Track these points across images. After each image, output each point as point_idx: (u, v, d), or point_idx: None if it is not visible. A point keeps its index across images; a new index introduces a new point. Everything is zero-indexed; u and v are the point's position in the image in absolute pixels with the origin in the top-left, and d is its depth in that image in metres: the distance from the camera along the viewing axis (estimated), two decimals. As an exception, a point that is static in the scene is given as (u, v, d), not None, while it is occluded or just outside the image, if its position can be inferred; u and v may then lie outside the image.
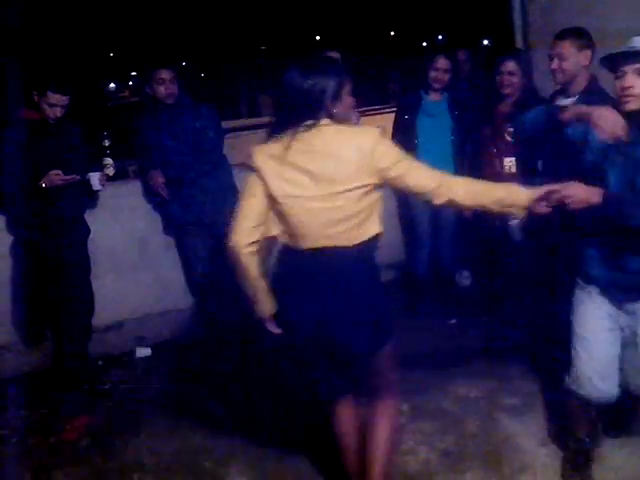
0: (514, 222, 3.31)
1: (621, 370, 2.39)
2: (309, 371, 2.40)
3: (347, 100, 2.22)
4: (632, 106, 2.09)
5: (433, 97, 3.92)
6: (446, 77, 3.84)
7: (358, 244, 2.14)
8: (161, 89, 3.55)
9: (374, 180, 2.10)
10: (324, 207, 2.11)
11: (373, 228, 2.16)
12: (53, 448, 3.15)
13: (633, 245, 2.18)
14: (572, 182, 2.07)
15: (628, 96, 2.09)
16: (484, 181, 2.26)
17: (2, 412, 3.51)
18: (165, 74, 3.54)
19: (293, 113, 2.13)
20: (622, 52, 2.13)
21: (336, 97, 2.15)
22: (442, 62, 3.80)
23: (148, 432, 3.20)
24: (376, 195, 2.14)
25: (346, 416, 2.46)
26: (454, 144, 3.88)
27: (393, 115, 4.25)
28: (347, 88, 2.21)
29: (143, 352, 4.08)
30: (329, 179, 2.09)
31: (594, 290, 2.36)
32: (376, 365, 2.29)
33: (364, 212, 2.13)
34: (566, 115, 2.20)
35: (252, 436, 3.07)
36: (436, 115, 3.90)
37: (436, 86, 3.87)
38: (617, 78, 2.14)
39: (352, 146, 2.10)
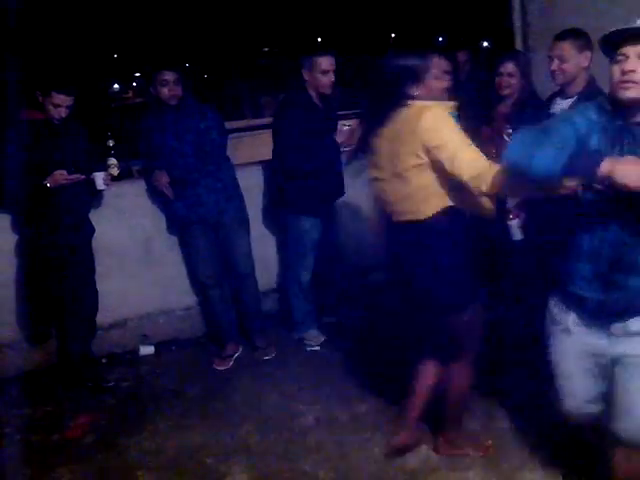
0: (514, 222, 3.32)
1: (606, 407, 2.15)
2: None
3: (432, 84, 2.30)
4: (632, 93, 1.82)
5: (434, 98, 3.94)
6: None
7: (430, 217, 2.23)
8: (164, 90, 3.56)
9: (428, 158, 2.17)
10: (391, 187, 2.26)
11: (440, 202, 2.24)
12: (57, 446, 3.17)
13: (635, 257, 1.90)
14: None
15: (629, 82, 1.81)
16: None
17: (6, 410, 3.51)
18: (168, 75, 3.55)
19: (381, 100, 2.28)
20: (624, 30, 1.84)
21: (417, 80, 2.23)
22: (442, 63, 3.81)
23: (151, 430, 3.22)
24: (437, 171, 2.19)
25: (426, 371, 2.66)
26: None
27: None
28: (433, 72, 2.30)
29: (146, 350, 4.09)
30: (391, 160, 2.22)
31: (571, 319, 2.09)
32: (448, 329, 2.43)
33: (427, 188, 2.21)
34: (605, 173, 1.71)
35: (254, 433, 3.09)
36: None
37: (437, 87, 3.88)
38: (616, 62, 1.85)
39: (410, 125, 2.17)
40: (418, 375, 2.68)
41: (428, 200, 2.23)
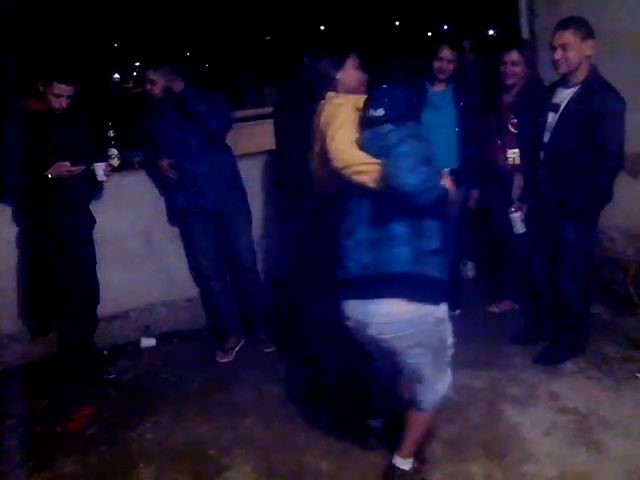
0: (516, 214, 3.30)
1: None
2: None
3: (353, 73, 2.47)
4: None
5: (438, 88, 3.88)
6: (451, 67, 3.79)
7: None
8: (148, 88, 3.60)
9: None
10: None
11: None
12: (59, 437, 3.17)
13: None
14: None
15: None
16: None
17: (8, 401, 3.51)
18: (152, 75, 3.57)
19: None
20: None
21: (339, 65, 2.43)
22: (446, 52, 3.76)
23: (153, 421, 3.22)
24: None
25: None
26: (459, 135, 3.83)
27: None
28: (353, 61, 2.47)
29: (148, 342, 4.09)
30: None
31: None
32: None
33: None
34: None
35: (257, 425, 3.09)
36: (441, 106, 3.84)
37: (441, 77, 3.82)
38: None
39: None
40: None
41: None
